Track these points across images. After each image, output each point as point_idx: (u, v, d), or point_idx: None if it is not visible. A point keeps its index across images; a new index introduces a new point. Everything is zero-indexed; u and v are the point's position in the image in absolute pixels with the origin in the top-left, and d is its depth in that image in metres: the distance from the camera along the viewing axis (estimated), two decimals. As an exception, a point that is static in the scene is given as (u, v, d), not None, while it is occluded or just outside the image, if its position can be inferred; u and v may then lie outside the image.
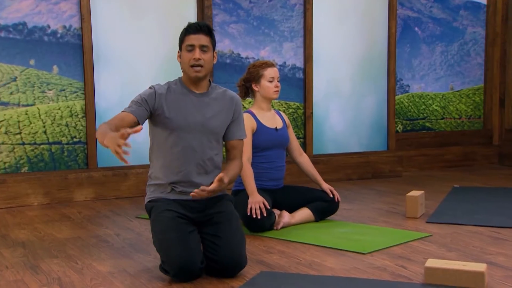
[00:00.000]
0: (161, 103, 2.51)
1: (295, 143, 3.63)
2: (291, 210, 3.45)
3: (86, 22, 4.21)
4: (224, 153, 2.92)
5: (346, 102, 5.16)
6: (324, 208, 3.49)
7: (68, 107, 4.26)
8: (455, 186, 4.72)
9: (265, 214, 3.20)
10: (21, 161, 4.15)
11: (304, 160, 3.63)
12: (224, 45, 4.70)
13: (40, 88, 4.17)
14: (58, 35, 4.20)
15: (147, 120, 2.55)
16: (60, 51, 4.21)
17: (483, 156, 6.03)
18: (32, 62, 4.15)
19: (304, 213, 3.45)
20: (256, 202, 3.20)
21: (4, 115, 4.08)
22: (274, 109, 3.65)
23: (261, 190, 3.36)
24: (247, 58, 4.78)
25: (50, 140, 4.21)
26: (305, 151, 4.83)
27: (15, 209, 4.01)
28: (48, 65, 4.19)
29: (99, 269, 2.64)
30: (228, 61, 4.72)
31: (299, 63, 4.97)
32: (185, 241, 2.38)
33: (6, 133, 4.09)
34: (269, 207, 3.24)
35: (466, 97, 6.05)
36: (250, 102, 4.60)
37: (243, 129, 2.70)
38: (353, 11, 5.13)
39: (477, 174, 5.41)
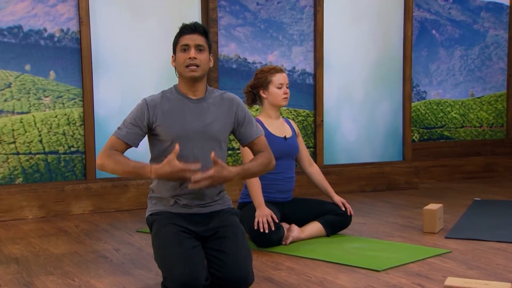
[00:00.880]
0: (155, 115, 2.53)
1: (305, 152, 3.63)
2: (300, 224, 3.45)
3: (84, 25, 4.25)
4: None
5: (359, 110, 5.17)
6: (336, 222, 3.49)
7: (65, 115, 4.29)
8: (476, 199, 4.71)
9: (273, 228, 3.20)
10: (16, 172, 4.18)
11: (314, 171, 3.64)
12: (230, 49, 4.73)
13: (36, 94, 4.21)
14: (55, 39, 4.24)
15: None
16: (57, 56, 4.25)
17: (506, 167, 6.00)
18: (27, 67, 4.19)
19: (315, 227, 3.45)
20: (264, 215, 3.21)
21: (-2, 123, 4.12)
22: (283, 117, 3.66)
23: (269, 202, 3.36)
24: (254, 63, 4.80)
25: (46, 150, 4.24)
26: (316, 161, 4.83)
27: (9, 222, 4.04)
28: (45, 70, 4.23)
29: (97, 286, 2.64)
30: (234, 66, 4.75)
31: (309, 68, 4.99)
32: (189, 257, 2.38)
33: None
34: (277, 221, 3.25)
35: (488, 104, 6.04)
36: (257, 110, 4.61)
37: (257, 126, 2.70)
38: (366, 13, 5.15)
39: (500, 186, 5.39)
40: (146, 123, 2.53)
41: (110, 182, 4.37)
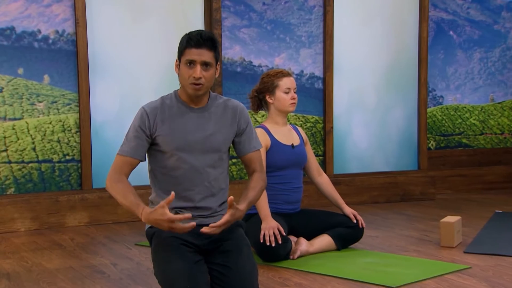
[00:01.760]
0: (156, 124, 2.54)
1: (313, 161, 3.64)
2: (309, 237, 3.45)
3: (81, 27, 4.27)
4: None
5: (371, 116, 5.17)
6: (347, 235, 3.49)
7: (60, 121, 4.31)
8: (497, 211, 4.69)
9: (280, 242, 3.20)
10: (7, 182, 4.20)
11: (323, 180, 3.64)
12: (234, 52, 4.75)
13: (29, 100, 4.23)
14: (50, 41, 4.27)
15: None
16: (52, 59, 4.27)
17: (528, 177, 5.99)
18: (20, 71, 4.22)
19: (324, 240, 3.44)
20: (270, 227, 3.21)
21: (-11, 130, 4.14)
22: (290, 124, 3.67)
23: (276, 214, 3.36)
24: (260, 66, 4.82)
25: (40, 158, 4.26)
26: (325, 171, 4.83)
27: (0, 235, 4.05)
28: (39, 74, 4.25)
29: (93, 303, 2.65)
30: (238, 69, 4.77)
31: (318, 72, 5.00)
32: (191, 272, 2.39)
33: (-9, 150, 4.15)
34: (284, 234, 3.25)
35: (509, 109, 6.03)
36: (263, 116, 4.62)
37: (256, 139, 2.70)
38: (379, 13, 5.16)
39: (522, 198, 5.38)
40: (149, 132, 2.54)
41: (107, 192, 4.35)
